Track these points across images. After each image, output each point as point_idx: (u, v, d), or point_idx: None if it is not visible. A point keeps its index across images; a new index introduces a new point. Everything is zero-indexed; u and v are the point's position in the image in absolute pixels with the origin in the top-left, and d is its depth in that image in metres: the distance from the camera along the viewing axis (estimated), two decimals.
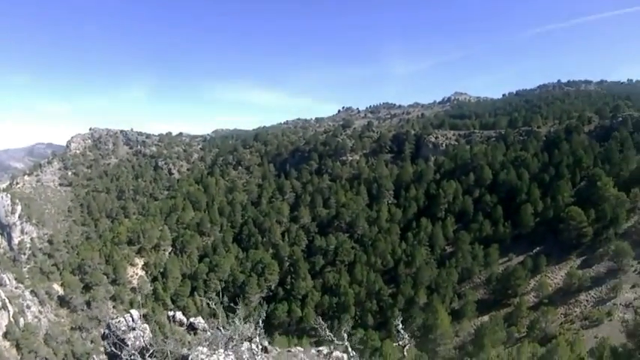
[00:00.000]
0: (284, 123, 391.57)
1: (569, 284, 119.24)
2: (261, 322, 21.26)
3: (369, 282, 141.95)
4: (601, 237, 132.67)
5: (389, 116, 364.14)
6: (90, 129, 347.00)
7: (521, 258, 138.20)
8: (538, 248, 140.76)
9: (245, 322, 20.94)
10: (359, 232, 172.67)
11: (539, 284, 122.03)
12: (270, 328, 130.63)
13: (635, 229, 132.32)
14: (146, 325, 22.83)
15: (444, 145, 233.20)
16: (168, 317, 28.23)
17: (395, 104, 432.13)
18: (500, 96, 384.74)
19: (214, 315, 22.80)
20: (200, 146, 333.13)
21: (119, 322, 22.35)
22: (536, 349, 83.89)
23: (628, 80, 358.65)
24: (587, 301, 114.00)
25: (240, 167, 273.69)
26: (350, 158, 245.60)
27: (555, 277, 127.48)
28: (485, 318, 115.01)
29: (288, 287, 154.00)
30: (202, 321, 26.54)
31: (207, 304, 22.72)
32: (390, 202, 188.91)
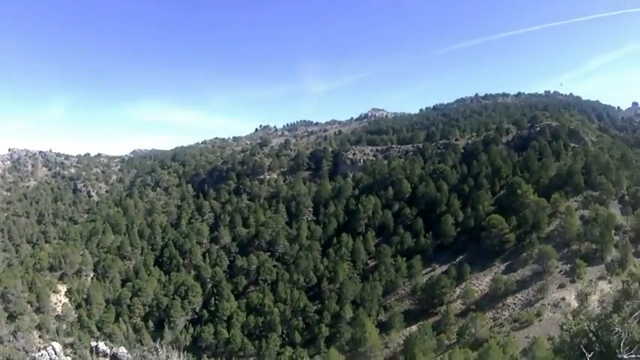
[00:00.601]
0: (202, 142, 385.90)
1: (495, 289, 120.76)
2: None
3: (293, 300, 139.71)
4: (524, 242, 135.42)
5: (306, 134, 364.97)
6: (9, 149, 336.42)
7: (444, 267, 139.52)
8: (461, 257, 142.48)
9: (172, 349, 20.24)
10: (280, 251, 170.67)
11: (465, 291, 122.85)
12: (198, 351, 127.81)
13: (557, 233, 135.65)
14: (68, 359, 20.68)
15: (361, 160, 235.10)
16: (91, 349, 27.23)
17: (312, 121, 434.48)
18: (417, 111, 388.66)
19: (141, 341, 20.22)
20: (119, 167, 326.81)
21: (42, 355, 20.16)
22: (468, 354, 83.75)
23: (545, 92, 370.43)
24: (514, 304, 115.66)
25: (158, 188, 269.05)
26: (268, 177, 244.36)
27: (481, 283, 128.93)
28: (414, 328, 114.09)
29: (213, 309, 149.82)
30: (125, 351, 25.54)
31: (133, 330, 20.20)
32: (309, 219, 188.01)
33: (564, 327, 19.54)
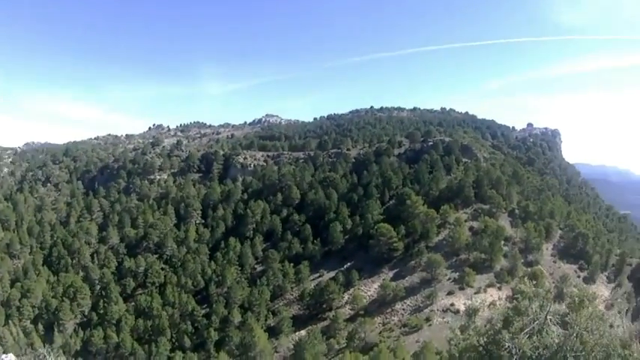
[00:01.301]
0: (95, 138, 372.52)
1: (383, 295, 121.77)
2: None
3: (181, 303, 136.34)
4: (412, 250, 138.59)
5: (199, 135, 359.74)
6: None
7: (332, 274, 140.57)
8: (349, 263, 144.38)
9: (62, 354, 17.97)
10: (168, 253, 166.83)
11: (354, 297, 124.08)
12: (88, 356, 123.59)
13: (446, 242, 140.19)
14: None
15: (252, 165, 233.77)
16: None
17: (206, 123, 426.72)
18: (311, 119, 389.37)
19: (32, 345, 18.43)
20: (10, 159, 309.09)
21: None
22: (359, 358, 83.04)
23: (441, 108, 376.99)
24: (403, 309, 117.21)
25: (49, 184, 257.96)
26: (158, 177, 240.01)
27: (369, 289, 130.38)
28: (303, 332, 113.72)
29: (102, 312, 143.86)
30: (14, 358, 24.42)
31: (23, 333, 18.41)
32: (198, 222, 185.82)
33: (452, 342, 19.03)
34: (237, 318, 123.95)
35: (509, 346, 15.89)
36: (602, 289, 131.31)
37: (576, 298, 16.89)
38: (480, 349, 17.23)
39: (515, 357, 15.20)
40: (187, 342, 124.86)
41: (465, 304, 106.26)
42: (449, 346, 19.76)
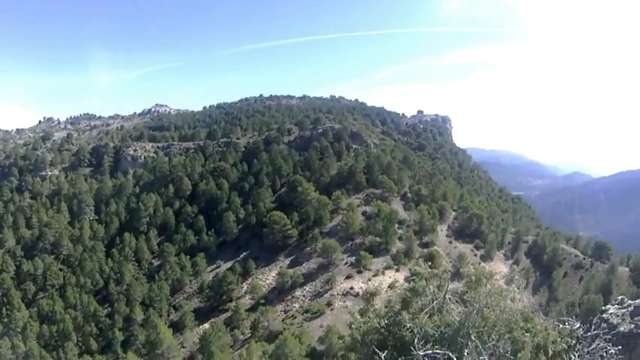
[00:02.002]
0: None
1: (282, 283, 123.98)
2: None
3: (83, 305, 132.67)
4: (307, 237, 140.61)
5: (89, 128, 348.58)
6: None
7: (229, 264, 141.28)
8: (245, 253, 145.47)
9: None
10: (64, 253, 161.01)
11: (253, 286, 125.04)
12: None
13: (340, 227, 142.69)
14: None
15: (142, 157, 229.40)
16: None
17: (95, 115, 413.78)
18: (201, 108, 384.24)
19: None
20: None
21: None
22: (265, 347, 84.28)
23: (331, 96, 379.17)
24: (303, 296, 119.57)
25: None
26: (50, 173, 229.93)
27: (267, 278, 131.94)
28: (207, 325, 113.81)
29: (6, 320, 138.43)
30: None
31: None
32: (91, 218, 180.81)
33: (353, 326, 19.69)
34: (139, 315, 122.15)
35: (410, 326, 16.28)
36: (500, 266, 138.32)
37: (473, 277, 17.72)
38: (382, 330, 17.70)
39: (417, 336, 15.05)
40: (94, 344, 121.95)
41: (361, 287, 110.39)
42: (350, 330, 20.27)
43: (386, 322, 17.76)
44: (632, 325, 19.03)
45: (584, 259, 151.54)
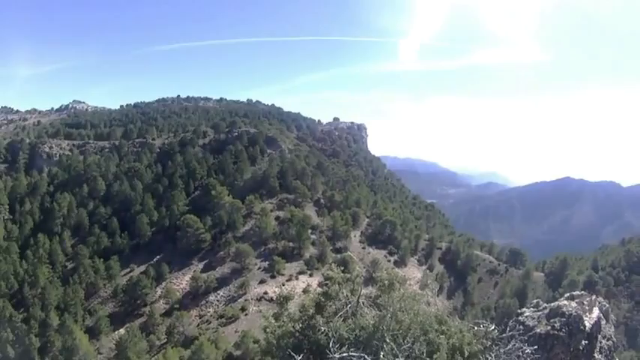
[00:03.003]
0: None
1: (196, 287, 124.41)
2: None
3: None
4: (220, 241, 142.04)
5: (5, 122, 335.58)
6: None
7: (143, 268, 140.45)
8: (158, 256, 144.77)
9: None
10: None
11: (167, 291, 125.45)
12: None
13: (253, 232, 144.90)
14: None
15: (58, 155, 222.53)
16: None
17: (13, 109, 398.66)
18: (118, 107, 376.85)
19: None
20: None
21: None
22: (181, 353, 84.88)
23: (247, 100, 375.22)
24: (218, 300, 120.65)
25: None
26: None
27: (181, 282, 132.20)
28: (122, 331, 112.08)
29: None
30: None
31: None
32: (5, 217, 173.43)
33: (268, 330, 19.46)
34: (55, 321, 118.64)
35: (325, 330, 16.47)
36: (414, 272, 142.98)
37: (386, 282, 18.00)
38: (297, 334, 17.82)
39: (332, 339, 15.47)
40: (10, 352, 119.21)
41: (274, 292, 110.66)
42: (265, 334, 20.38)
43: (300, 326, 17.98)
44: (549, 327, 20.44)
45: (499, 265, 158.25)
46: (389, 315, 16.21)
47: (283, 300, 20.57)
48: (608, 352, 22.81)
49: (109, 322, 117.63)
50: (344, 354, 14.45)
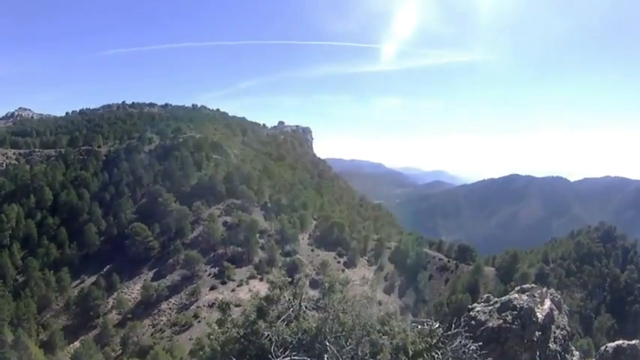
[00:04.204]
0: None
1: (147, 296, 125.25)
2: None
3: None
4: (169, 248, 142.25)
5: None
6: None
7: (93, 278, 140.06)
8: (108, 266, 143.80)
9: None
10: None
11: (119, 301, 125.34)
12: None
13: (201, 238, 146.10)
14: None
15: (4, 164, 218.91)
16: None
17: None
18: (63, 114, 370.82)
19: None
20: None
21: None
22: None
23: (193, 105, 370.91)
24: (170, 309, 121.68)
25: None
26: None
27: (132, 291, 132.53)
28: (77, 344, 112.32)
29: None
30: None
31: None
32: None
33: (211, 337, 19.39)
34: (10, 336, 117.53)
35: (268, 335, 16.46)
36: (364, 272, 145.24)
37: (326, 284, 18.51)
38: (241, 340, 17.68)
39: (274, 344, 15.55)
40: None
41: (224, 298, 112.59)
42: (209, 340, 20.32)
43: (244, 331, 17.79)
44: (501, 321, 21.19)
45: (449, 261, 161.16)
46: (331, 317, 16.39)
47: (225, 306, 21.45)
48: (563, 342, 23.88)
49: (64, 336, 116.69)
50: (286, 358, 14.71)
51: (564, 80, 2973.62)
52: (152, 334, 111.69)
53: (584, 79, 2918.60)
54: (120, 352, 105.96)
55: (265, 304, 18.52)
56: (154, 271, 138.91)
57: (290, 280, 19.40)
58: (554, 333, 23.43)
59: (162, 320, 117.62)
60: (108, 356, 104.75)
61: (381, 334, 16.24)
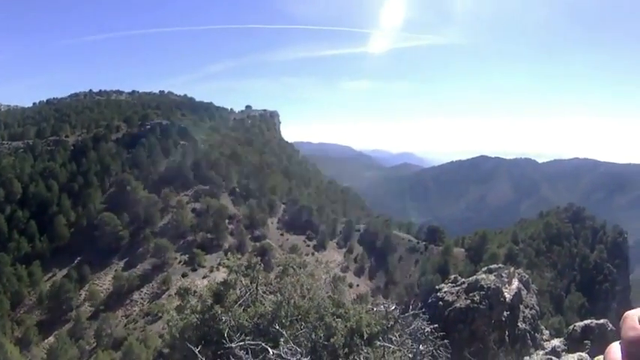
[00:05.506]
0: None
1: (119, 287, 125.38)
2: None
3: None
4: (139, 237, 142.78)
5: None
6: None
7: (65, 271, 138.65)
8: (79, 258, 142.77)
9: None
10: None
11: (91, 293, 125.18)
12: None
13: (170, 226, 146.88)
14: None
15: None
16: None
17: None
18: (31, 104, 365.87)
19: None
20: None
21: None
22: (112, 355, 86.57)
23: (160, 91, 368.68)
24: (142, 298, 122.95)
25: None
26: None
27: (104, 283, 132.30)
28: (52, 339, 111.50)
29: None
30: None
31: None
32: None
33: (170, 323, 19.50)
34: None
35: (225, 319, 16.46)
36: (334, 255, 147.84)
37: (281, 267, 19.08)
38: (201, 325, 17.71)
39: (228, 329, 15.65)
40: None
41: (197, 285, 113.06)
42: (168, 327, 20.52)
43: (202, 317, 17.79)
44: (468, 301, 22.02)
45: (418, 243, 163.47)
46: (286, 301, 16.51)
47: (184, 292, 21.08)
48: (532, 321, 24.97)
49: (38, 331, 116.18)
50: (240, 342, 14.48)
51: (533, 65, 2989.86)
52: (125, 325, 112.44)
53: (554, 64, 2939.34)
54: (95, 344, 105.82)
55: (222, 289, 18.56)
56: (124, 260, 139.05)
57: (247, 264, 19.16)
58: (523, 312, 24.55)
59: (134, 311, 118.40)
60: (82, 350, 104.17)
61: (334, 317, 16.27)
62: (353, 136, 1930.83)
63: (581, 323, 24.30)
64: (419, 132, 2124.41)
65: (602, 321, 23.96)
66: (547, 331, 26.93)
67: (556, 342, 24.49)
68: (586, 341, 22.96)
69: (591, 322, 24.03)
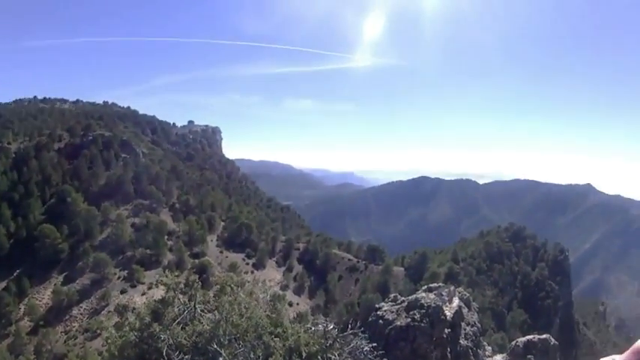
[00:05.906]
0: None
1: (58, 302, 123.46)
2: None
3: None
4: (78, 251, 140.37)
5: None
6: None
7: (4, 284, 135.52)
8: (19, 270, 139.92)
9: None
10: None
11: (30, 307, 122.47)
12: None
13: (110, 240, 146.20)
14: None
15: None
16: None
17: None
18: None
19: None
20: None
21: None
22: None
23: (104, 102, 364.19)
24: (81, 314, 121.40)
25: None
26: None
27: (43, 297, 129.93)
28: None
29: None
30: None
31: None
32: None
33: (109, 340, 18.98)
34: None
35: (164, 338, 16.25)
36: (273, 274, 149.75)
37: (218, 286, 19.07)
38: (140, 343, 17.48)
39: (166, 347, 15.61)
40: None
41: (135, 302, 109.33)
42: (106, 344, 19.93)
43: (140, 335, 17.58)
44: (409, 319, 22.11)
45: (358, 262, 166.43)
46: (224, 319, 16.39)
47: (123, 309, 23.47)
48: (474, 337, 25.17)
49: None
50: None
51: (472, 88, 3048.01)
52: (65, 341, 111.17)
53: (491, 86, 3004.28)
54: None
55: (161, 306, 18.56)
56: (64, 274, 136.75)
57: (185, 282, 19.29)
58: (465, 329, 24.90)
59: (74, 326, 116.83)
60: None
61: (272, 337, 16.65)
62: (294, 154, 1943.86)
63: (524, 339, 26.16)
64: (360, 151, 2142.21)
65: (544, 336, 26.18)
66: (490, 347, 28.11)
67: (499, 358, 26.52)
68: (529, 356, 24.88)
69: (534, 337, 25.86)
